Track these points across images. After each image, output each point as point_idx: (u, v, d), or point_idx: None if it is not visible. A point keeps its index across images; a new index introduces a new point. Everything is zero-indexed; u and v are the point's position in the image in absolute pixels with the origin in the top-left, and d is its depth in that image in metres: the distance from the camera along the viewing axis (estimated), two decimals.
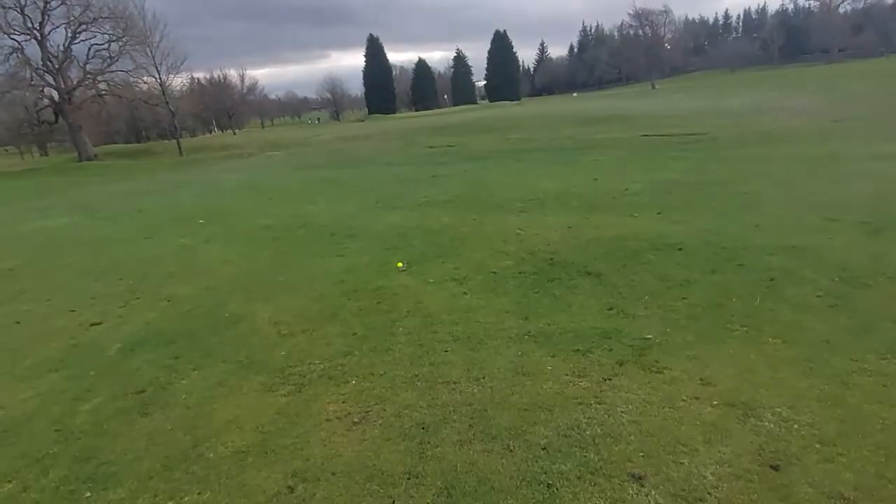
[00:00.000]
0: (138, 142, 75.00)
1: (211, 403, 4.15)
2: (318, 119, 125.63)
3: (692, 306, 5.07)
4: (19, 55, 43.32)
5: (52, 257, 10.02)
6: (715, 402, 3.51)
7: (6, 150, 79.38)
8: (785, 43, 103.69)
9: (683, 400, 3.57)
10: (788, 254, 6.23)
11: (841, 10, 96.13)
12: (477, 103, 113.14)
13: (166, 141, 62.05)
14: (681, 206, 9.05)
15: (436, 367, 4.36)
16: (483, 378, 4.10)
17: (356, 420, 3.73)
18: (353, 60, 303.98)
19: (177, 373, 4.73)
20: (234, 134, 76.86)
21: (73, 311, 6.74)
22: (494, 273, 6.57)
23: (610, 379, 3.92)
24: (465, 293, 6.02)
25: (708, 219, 8.10)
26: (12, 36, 42.67)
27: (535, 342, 4.63)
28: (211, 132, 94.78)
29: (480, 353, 4.54)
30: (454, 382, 4.08)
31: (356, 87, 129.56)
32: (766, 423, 3.25)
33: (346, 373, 4.42)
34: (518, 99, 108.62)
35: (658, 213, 8.71)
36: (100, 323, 6.21)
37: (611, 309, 5.19)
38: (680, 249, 6.75)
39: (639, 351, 4.28)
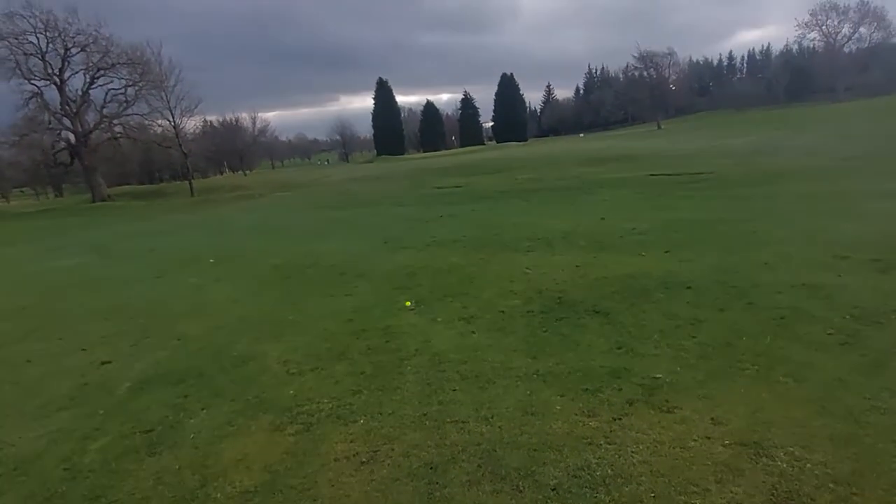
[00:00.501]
0: (151, 183, 76.49)
1: (219, 443, 4.14)
2: (328, 160, 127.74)
3: (702, 345, 5.04)
4: (39, 100, 44.80)
5: (65, 296, 10.13)
6: (726, 442, 3.47)
7: (22, 191, 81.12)
8: (790, 82, 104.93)
9: (694, 440, 3.54)
10: (798, 292, 6.21)
11: (846, 50, 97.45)
12: (484, 144, 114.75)
13: (178, 182, 63.28)
14: (689, 245, 9.07)
15: (444, 407, 4.34)
16: (492, 417, 4.08)
17: (364, 460, 3.71)
18: (361, 103, 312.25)
19: (185, 412, 4.74)
20: (245, 175, 78.17)
21: (84, 349, 6.79)
22: (502, 312, 6.58)
23: (620, 418, 3.89)
24: (473, 332, 6.02)
25: (716, 257, 8.10)
26: (33, 81, 44.22)
27: (544, 381, 4.61)
28: (222, 173, 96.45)
29: (489, 392, 4.52)
30: (462, 422, 4.06)
31: (364, 130, 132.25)
32: (779, 463, 3.21)
33: (354, 412, 4.41)
34: (525, 140, 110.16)
35: (666, 252, 8.72)
36: (110, 362, 6.24)
37: (620, 348, 5.17)
38: (689, 288, 6.74)
39: (649, 390, 4.25)
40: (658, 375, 4.49)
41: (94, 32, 45.58)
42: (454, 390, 4.62)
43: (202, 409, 4.75)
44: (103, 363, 6.22)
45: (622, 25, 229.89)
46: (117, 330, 7.54)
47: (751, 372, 4.42)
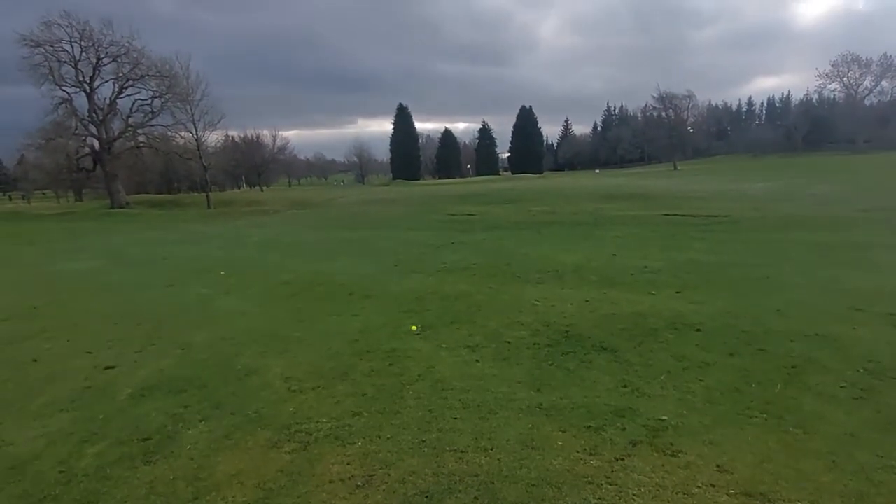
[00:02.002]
0: (169, 192, 77.44)
1: (215, 456, 4.10)
2: (343, 181, 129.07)
3: (710, 389, 4.95)
4: (68, 106, 45.86)
5: (76, 299, 10.21)
6: (732, 491, 3.38)
7: (44, 194, 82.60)
8: (809, 131, 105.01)
9: (699, 486, 3.45)
10: (811, 341, 6.10)
11: (867, 103, 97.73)
12: (500, 174, 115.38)
13: (196, 193, 64.04)
14: (701, 287, 8.98)
15: (444, 435, 4.28)
16: (491, 449, 4.01)
17: (359, 483, 3.64)
18: (378, 127, 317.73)
19: (184, 422, 4.71)
20: (262, 190, 79.02)
21: (90, 352, 6.81)
22: (508, 342, 6.52)
23: (622, 459, 3.80)
24: (477, 361, 5.96)
25: (728, 301, 8.01)
26: (64, 88, 45.34)
27: (547, 416, 4.54)
28: (240, 187, 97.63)
29: (490, 422, 4.46)
30: (462, 451, 3.99)
31: (381, 153, 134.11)
32: None
33: (352, 433, 4.36)
34: (541, 172, 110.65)
35: (677, 292, 8.64)
36: (114, 366, 6.24)
37: (625, 386, 5.09)
38: (698, 330, 6.66)
39: (653, 432, 4.17)
40: (663, 417, 4.40)
41: (126, 44, 46.86)
42: (455, 418, 4.55)
43: (201, 421, 4.72)
44: (107, 367, 6.22)
45: (640, 66, 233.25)
46: (124, 335, 7.56)
47: (759, 420, 4.32)
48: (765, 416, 4.38)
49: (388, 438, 4.25)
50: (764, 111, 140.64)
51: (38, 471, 3.99)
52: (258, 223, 29.37)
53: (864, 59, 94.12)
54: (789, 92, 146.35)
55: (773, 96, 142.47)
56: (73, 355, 6.75)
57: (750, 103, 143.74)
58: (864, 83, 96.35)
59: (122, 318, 8.51)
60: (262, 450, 4.17)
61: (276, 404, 5.01)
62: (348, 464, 3.90)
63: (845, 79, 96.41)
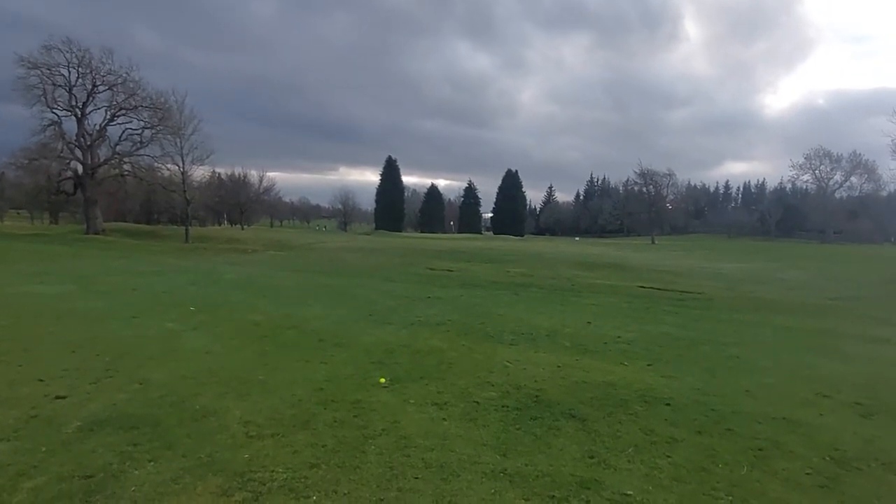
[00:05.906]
0: (148, 223, 76.65)
1: (161, 500, 3.88)
2: (325, 227, 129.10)
3: (676, 466, 4.88)
4: (56, 128, 45.70)
5: (35, 323, 9.86)
6: None
7: (18, 213, 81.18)
8: (782, 218, 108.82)
9: None
10: (778, 425, 6.10)
11: (837, 196, 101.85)
12: (482, 234, 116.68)
13: (175, 226, 63.50)
14: (672, 361, 9.00)
15: (403, 494, 4.12)
16: None
17: None
18: (360, 176, 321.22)
19: (132, 461, 4.47)
20: (243, 229, 78.51)
21: (42, 380, 6.51)
22: (477, 403, 6.40)
23: None
24: (444, 419, 5.82)
25: (698, 377, 8.02)
26: (55, 110, 45.32)
27: (511, 482, 4.41)
28: (221, 224, 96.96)
29: (452, 485, 4.31)
30: None
31: (363, 202, 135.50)
32: None
33: (308, 486, 4.17)
34: (522, 235, 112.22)
35: (649, 365, 8.64)
36: (65, 397, 5.97)
37: (592, 457, 4.99)
38: (668, 405, 6.62)
39: None
40: (629, 492, 4.31)
41: (124, 74, 47.38)
42: (416, 478, 4.40)
43: (150, 461, 4.49)
44: (58, 397, 5.94)
45: (614, 140, 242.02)
46: (80, 365, 7.27)
47: (725, 502, 4.25)
48: (730, 498, 4.32)
49: (344, 494, 4.08)
50: (740, 195, 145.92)
51: None
52: (235, 261, 29.03)
53: (834, 154, 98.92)
54: (764, 179, 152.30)
55: (748, 182, 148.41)
56: (24, 382, 6.45)
57: (727, 186, 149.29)
58: (835, 177, 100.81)
59: (81, 347, 8.21)
60: (212, 497, 3.96)
61: (231, 449, 4.81)
62: None
63: (817, 171, 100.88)
